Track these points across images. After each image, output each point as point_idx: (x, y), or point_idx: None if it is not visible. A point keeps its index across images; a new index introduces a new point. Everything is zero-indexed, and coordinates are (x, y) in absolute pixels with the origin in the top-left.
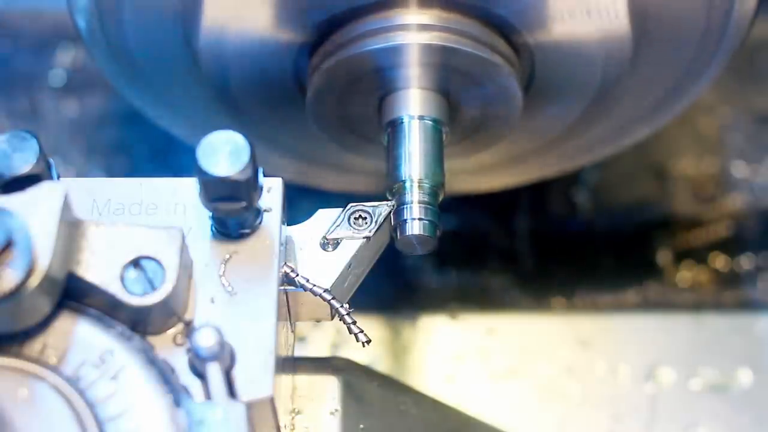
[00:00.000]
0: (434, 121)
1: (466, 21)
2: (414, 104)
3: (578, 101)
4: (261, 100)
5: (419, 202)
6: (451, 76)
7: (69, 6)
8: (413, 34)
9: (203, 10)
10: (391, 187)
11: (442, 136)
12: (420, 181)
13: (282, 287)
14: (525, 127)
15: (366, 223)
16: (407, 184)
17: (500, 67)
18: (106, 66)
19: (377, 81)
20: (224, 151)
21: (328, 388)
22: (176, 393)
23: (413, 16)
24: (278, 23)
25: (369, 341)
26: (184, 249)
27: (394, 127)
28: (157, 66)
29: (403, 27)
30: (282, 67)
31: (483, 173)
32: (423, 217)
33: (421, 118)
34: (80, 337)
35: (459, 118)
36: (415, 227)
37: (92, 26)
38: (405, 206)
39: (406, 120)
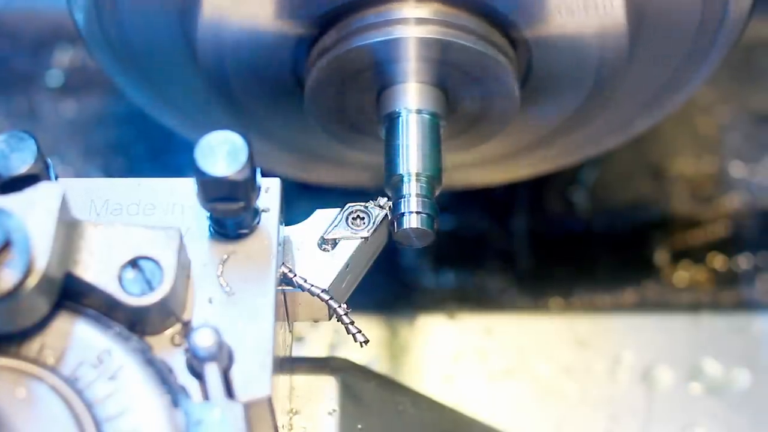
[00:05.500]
0: (432, 114)
1: (464, 15)
2: (412, 98)
3: (575, 95)
4: (259, 94)
5: (417, 195)
6: (448, 70)
7: (68, 1)
8: (411, 27)
9: (201, 3)
10: (388, 181)
11: (440, 130)
12: (417, 175)
13: (280, 287)
14: (522, 121)
15: (364, 223)
16: (405, 178)
17: (497, 62)
18: (104, 60)
19: (375, 75)
20: (222, 151)
21: (326, 388)
22: (174, 393)
23: (411, 9)
24: (277, 16)
25: (367, 341)
26: (182, 249)
27: (392, 120)
28: (156, 59)
29: (401, 21)
30: (280, 60)
31: (481, 167)
32: (420, 210)
33: (418, 111)
34: (78, 338)
35: (456, 111)
36: (412, 220)
37: (90, 21)
38: (402, 199)
39: (403, 114)
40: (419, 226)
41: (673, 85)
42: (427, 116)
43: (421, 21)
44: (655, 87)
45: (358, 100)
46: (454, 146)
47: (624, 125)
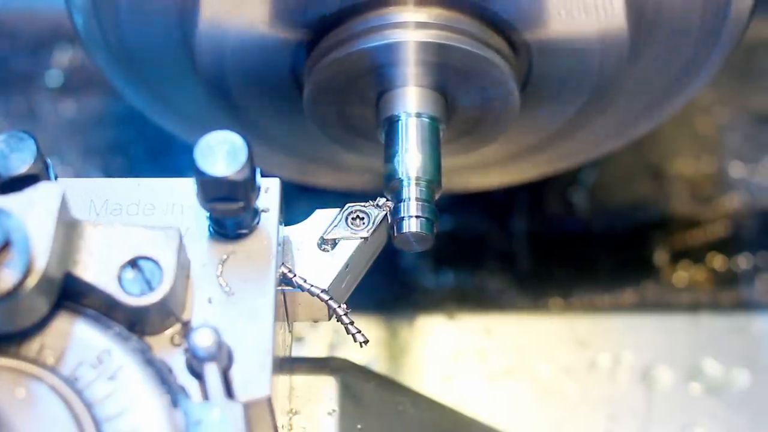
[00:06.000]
0: (431, 118)
1: (464, 19)
2: (411, 102)
3: (576, 98)
4: (258, 98)
5: (416, 200)
6: (448, 74)
7: (67, 4)
8: (411, 31)
9: (200, 7)
10: (388, 185)
11: (440, 134)
12: (417, 179)
13: (279, 287)
14: (523, 124)
15: (363, 223)
16: (404, 182)
17: (497, 65)
18: (103, 64)
19: (375, 79)
20: (222, 152)
21: (325, 388)
22: (174, 393)
23: (411, 13)
24: (275, 20)
25: (366, 341)
26: (181, 249)
27: (392, 124)
28: (155, 63)
29: (400, 24)
30: (279, 65)
31: (480, 171)
32: (420, 214)
33: (418, 115)
34: (78, 338)
35: (456, 115)
36: (412, 225)
37: (89, 23)
38: (402, 204)
39: (403, 117)
40: (419, 230)
41: (674, 87)
42: (427, 120)
43: (420, 25)
44: (656, 90)
45: (357, 104)
46: (454, 150)
47: (625, 128)
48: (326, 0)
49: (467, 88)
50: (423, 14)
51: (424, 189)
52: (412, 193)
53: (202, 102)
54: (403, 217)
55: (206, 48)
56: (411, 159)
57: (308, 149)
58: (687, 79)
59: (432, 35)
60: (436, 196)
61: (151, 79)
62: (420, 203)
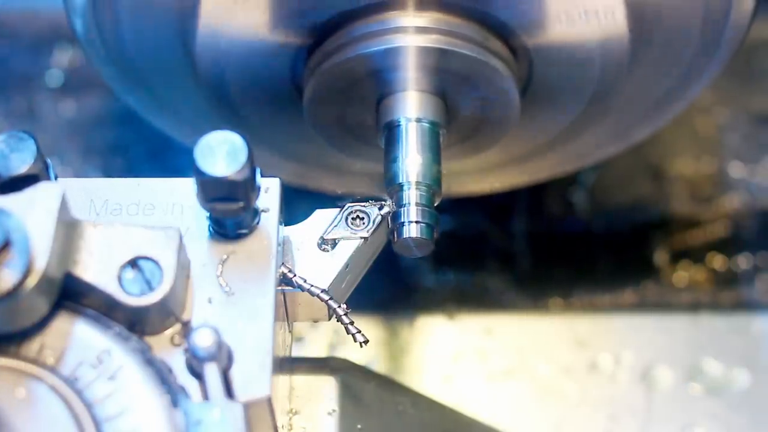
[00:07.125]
0: (431, 123)
1: (464, 23)
2: (411, 106)
3: (576, 103)
4: (258, 103)
5: (416, 205)
6: (448, 79)
7: (66, 7)
8: (410, 36)
9: (200, 12)
10: (388, 190)
11: (440, 139)
12: (417, 184)
13: (279, 287)
14: (523, 129)
15: (363, 223)
16: (404, 187)
17: (497, 70)
18: (102, 68)
19: (375, 83)
20: (222, 151)
21: (325, 388)
22: (174, 393)
23: (410, 18)
24: (275, 25)
25: (367, 341)
26: (181, 249)
27: (392, 129)
28: (154, 68)
29: (400, 29)
30: (279, 70)
31: (480, 175)
32: (420, 219)
33: (418, 120)
34: (78, 338)
35: (456, 120)
36: (412, 230)
37: (89, 28)
38: (402, 209)
39: (403, 122)
40: (419, 236)
41: (675, 91)
42: (427, 125)
43: (420, 30)
44: (656, 94)
45: (357, 109)
46: (454, 154)
47: (626, 132)
48: (326, 4)
49: (467, 92)
50: (423, 19)
51: (424, 194)
52: (412, 198)
53: (202, 106)
54: (403, 222)
55: (206, 52)
56: (411, 164)
57: (309, 154)
58: (687, 83)
59: (432, 40)
60: (437, 201)
61: (151, 83)
62: (420, 208)
